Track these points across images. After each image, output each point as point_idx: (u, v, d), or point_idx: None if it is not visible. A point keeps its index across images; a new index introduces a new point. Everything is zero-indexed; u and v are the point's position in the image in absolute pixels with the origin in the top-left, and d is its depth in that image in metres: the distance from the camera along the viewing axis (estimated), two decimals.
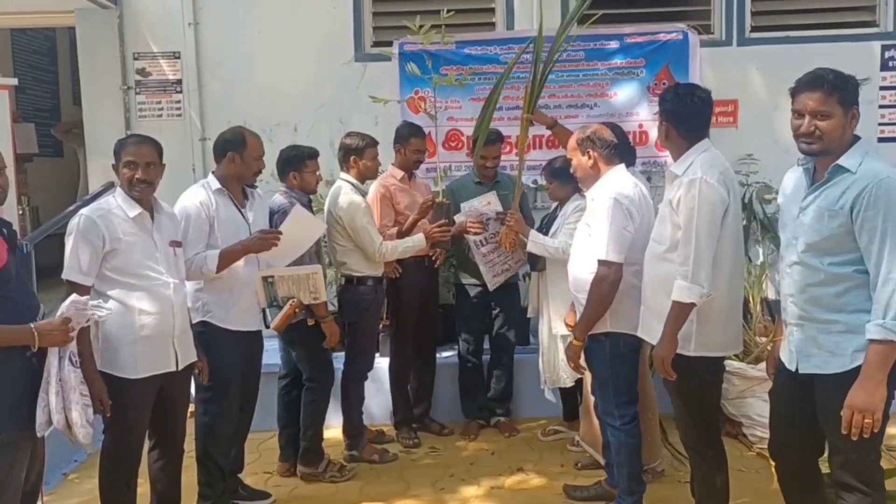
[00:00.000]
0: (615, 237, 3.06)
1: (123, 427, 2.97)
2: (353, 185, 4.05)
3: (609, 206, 3.08)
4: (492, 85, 5.04)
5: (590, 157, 3.25)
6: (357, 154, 4.07)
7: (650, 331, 2.98)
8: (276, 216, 3.65)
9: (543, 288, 4.16)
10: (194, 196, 3.34)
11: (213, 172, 3.48)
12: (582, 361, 3.31)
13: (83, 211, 2.94)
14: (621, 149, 3.42)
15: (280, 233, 3.40)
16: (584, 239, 3.24)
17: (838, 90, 2.39)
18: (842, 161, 2.40)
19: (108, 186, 3.13)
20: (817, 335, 2.46)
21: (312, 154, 3.88)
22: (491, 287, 4.35)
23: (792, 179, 2.62)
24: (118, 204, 2.95)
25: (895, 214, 2.29)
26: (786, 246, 2.58)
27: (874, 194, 2.31)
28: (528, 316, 4.43)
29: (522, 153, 4.20)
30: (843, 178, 2.39)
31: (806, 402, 2.54)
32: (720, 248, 2.78)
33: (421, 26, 4.14)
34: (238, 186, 3.44)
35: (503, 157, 4.63)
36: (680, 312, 2.78)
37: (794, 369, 2.55)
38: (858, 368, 2.35)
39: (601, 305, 3.11)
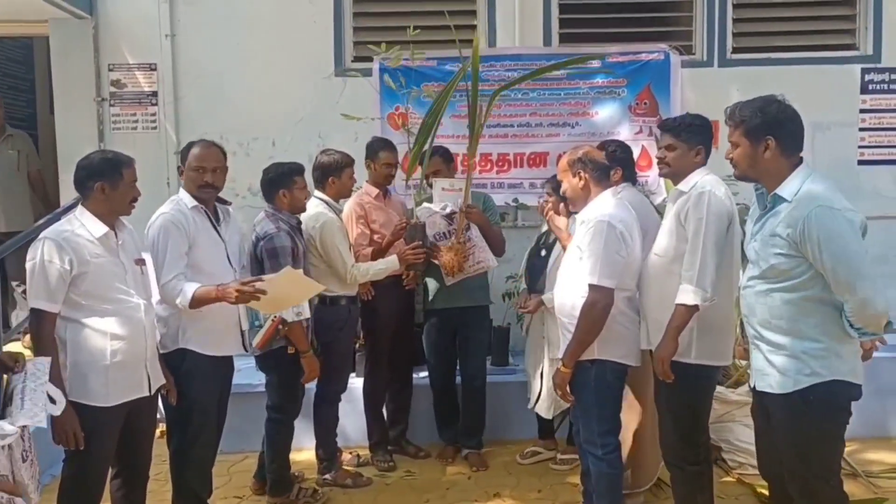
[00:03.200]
0: (608, 261, 2.99)
1: (90, 457, 2.80)
2: (327, 203, 3.97)
3: (602, 230, 3.00)
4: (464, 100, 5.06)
5: (581, 179, 3.18)
6: (335, 174, 3.98)
7: (653, 344, 3.03)
8: (262, 243, 3.51)
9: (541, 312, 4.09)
10: (171, 214, 3.15)
11: (184, 188, 3.30)
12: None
13: (46, 234, 2.79)
14: (627, 167, 3.47)
15: (263, 291, 3.01)
16: (575, 262, 3.14)
17: (743, 123, 2.54)
18: (779, 190, 2.50)
19: (77, 202, 3.00)
20: (768, 355, 2.56)
21: (299, 169, 3.71)
22: (447, 283, 4.13)
23: (755, 203, 2.70)
24: (82, 224, 2.82)
25: (829, 241, 2.37)
26: (747, 267, 2.68)
27: (806, 228, 2.39)
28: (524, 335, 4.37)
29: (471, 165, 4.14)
30: (782, 207, 2.49)
31: (770, 420, 2.64)
32: (721, 260, 2.88)
33: (389, 46, 4.14)
34: (212, 203, 3.32)
35: (484, 176, 4.60)
36: (683, 315, 2.86)
37: (753, 387, 2.67)
38: (801, 391, 2.46)
39: (591, 332, 3.02)
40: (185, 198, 3.23)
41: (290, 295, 3.27)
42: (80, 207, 2.89)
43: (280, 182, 3.64)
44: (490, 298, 4.43)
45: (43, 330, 2.73)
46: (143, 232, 3.16)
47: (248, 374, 4.31)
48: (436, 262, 4.10)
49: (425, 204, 4.16)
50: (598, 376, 3.10)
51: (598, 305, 2.99)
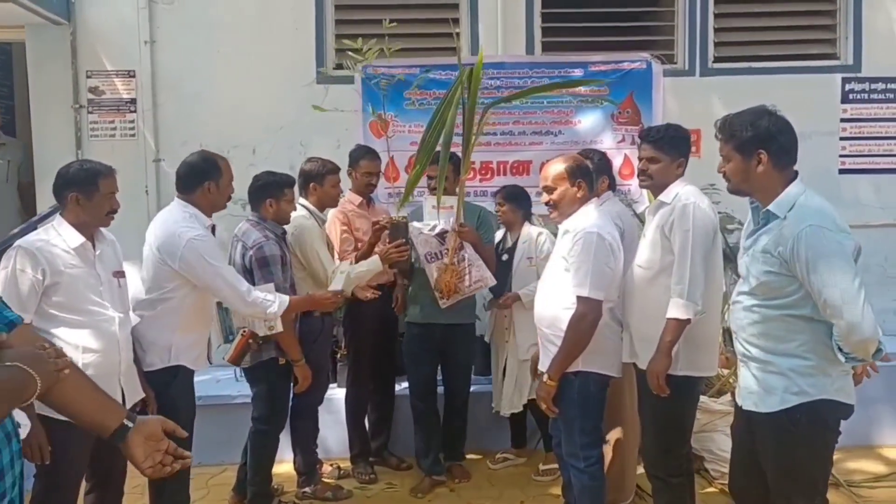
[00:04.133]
0: (598, 273, 2.96)
1: (60, 472, 2.73)
2: (310, 211, 3.93)
3: (593, 242, 2.97)
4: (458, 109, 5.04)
5: (579, 188, 3.11)
6: (317, 180, 3.96)
7: (637, 356, 3.04)
8: (252, 251, 3.47)
9: (504, 315, 4.13)
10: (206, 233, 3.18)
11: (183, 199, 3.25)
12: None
13: (20, 243, 2.74)
14: (610, 175, 3.45)
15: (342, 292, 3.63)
16: (559, 273, 3.10)
17: (734, 137, 2.47)
18: (772, 206, 2.44)
19: (55, 210, 2.94)
20: (755, 373, 2.50)
21: (290, 182, 3.71)
22: (441, 305, 3.94)
23: (750, 217, 2.63)
24: (58, 233, 2.78)
25: (817, 262, 2.29)
26: (738, 282, 2.64)
27: (796, 246, 2.32)
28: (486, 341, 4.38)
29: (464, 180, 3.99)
30: (774, 223, 2.42)
31: (754, 438, 2.59)
32: (708, 272, 2.89)
33: (369, 51, 4.12)
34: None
35: (468, 184, 4.55)
36: (676, 329, 2.87)
37: (739, 404, 2.62)
38: (787, 410, 2.40)
39: (580, 344, 2.99)
40: (197, 213, 3.23)
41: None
42: (58, 217, 2.85)
43: (270, 191, 3.61)
44: (475, 315, 4.31)
45: None
46: (127, 242, 3.13)
47: (227, 386, 4.26)
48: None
49: (414, 223, 3.98)
50: (582, 388, 3.07)
51: (588, 318, 2.96)
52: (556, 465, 4.07)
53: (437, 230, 3.91)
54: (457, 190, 3.93)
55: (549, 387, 3.05)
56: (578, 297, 2.97)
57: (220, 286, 3.12)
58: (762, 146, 2.42)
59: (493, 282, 3.95)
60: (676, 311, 2.84)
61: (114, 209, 2.90)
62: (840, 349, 2.34)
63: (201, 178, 3.20)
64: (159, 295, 3.11)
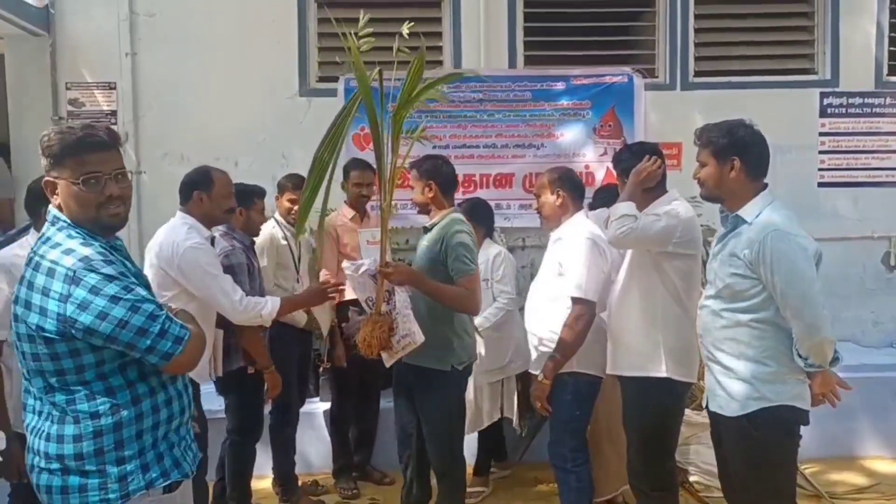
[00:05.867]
0: (593, 276, 3.11)
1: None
2: (277, 222, 3.98)
3: (587, 246, 3.13)
4: (439, 122, 5.05)
5: (559, 197, 3.29)
6: (280, 193, 4.08)
7: (618, 365, 3.10)
8: (220, 260, 3.42)
9: None
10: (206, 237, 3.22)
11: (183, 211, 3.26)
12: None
13: None
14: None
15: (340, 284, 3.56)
16: (552, 279, 3.24)
17: (711, 143, 2.61)
18: (740, 212, 2.57)
19: (28, 226, 2.91)
20: (719, 377, 2.62)
21: (261, 192, 3.77)
22: (387, 363, 3.19)
23: (720, 226, 2.77)
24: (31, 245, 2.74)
25: (781, 264, 2.43)
26: (706, 287, 2.75)
27: (761, 249, 2.45)
28: None
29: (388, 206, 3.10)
30: (742, 228, 2.56)
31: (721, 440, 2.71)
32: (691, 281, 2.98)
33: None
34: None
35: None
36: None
37: (706, 406, 2.73)
38: (748, 415, 2.51)
39: (576, 344, 3.11)
40: (196, 225, 3.24)
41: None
42: (31, 231, 2.81)
43: (239, 200, 3.58)
44: (453, 358, 3.20)
45: None
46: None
47: (208, 400, 4.20)
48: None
49: (345, 263, 3.32)
50: (576, 389, 3.19)
51: (584, 318, 3.10)
52: (481, 488, 4.17)
53: (366, 270, 3.15)
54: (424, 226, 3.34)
55: (543, 386, 3.16)
56: (574, 299, 3.10)
57: (215, 295, 3.10)
58: (737, 153, 2.57)
59: (421, 339, 3.04)
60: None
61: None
62: (799, 355, 2.47)
63: (191, 189, 3.22)
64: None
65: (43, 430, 1.88)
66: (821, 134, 5.39)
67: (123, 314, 1.79)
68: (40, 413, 1.89)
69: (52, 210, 1.91)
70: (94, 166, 1.86)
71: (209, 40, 5.18)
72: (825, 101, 5.38)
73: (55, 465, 1.86)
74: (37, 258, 1.86)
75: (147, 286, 2.01)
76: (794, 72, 5.43)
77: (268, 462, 4.03)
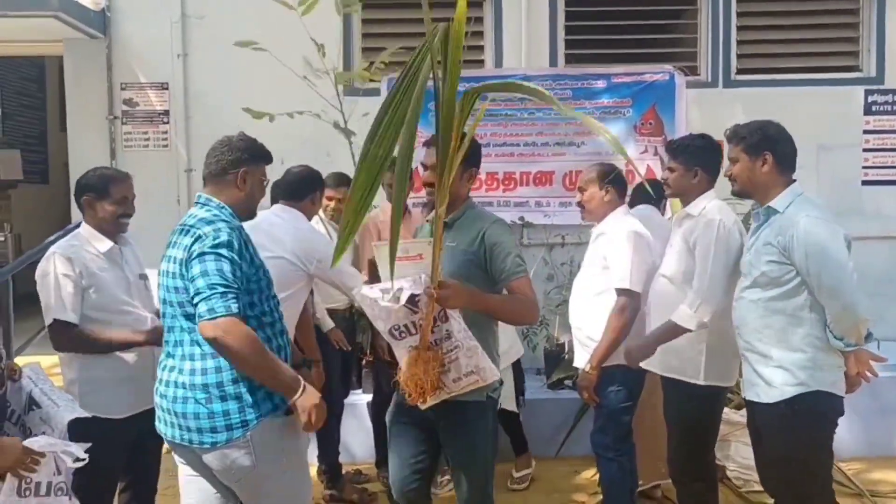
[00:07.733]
0: (638, 268, 3.15)
1: (99, 469, 2.70)
2: (321, 219, 4.09)
3: (632, 239, 3.18)
4: (481, 121, 5.11)
5: (607, 193, 3.34)
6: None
7: (657, 361, 3.10)
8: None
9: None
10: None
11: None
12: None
13: (53, 249, 2.85)
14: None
15: None
16: (596, 275, 3.28)
17: (744, 140, 2.71)
18: (772, 203, 2.67)
19: (77, 225, 3.05)
20: (756, 366, 2.68)
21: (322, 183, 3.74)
22: (424, 406, 2.50)
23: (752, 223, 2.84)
24: (87, 240, 2.89)
25: (815, 248, 2.50)
26: (740, 280, 2.79)
27: (795, 235, 2.53)
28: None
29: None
30: (775, 218, 2.64)
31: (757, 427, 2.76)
32: (730, 286, 2.90)
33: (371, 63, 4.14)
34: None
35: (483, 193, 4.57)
36: (672, 332, 2.96)
37: (744, 396, 2.76)
38: (786, 401, 2.57)
39: (621, 334, 3.15)
40: None
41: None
42: (83, 224, 2.96)
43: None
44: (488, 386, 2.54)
45: (72, 340, 2.79)
46: (159, 250, 3.19)
47: None
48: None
49: (364, 289, 2.52)
50: (623, 381, 3.23)
51: (629, 309, 3.14)
52: (529, 471, 4.20)
53: (402, 296, 2.36)
54: (426, 221, 2.84)
55: (590, 376, 3.21)
56: (620, 290, 3.14)
57: (344, 280, 3.34)
58: (768, 148, 2.67)
59: (495, 376, 2.52)
60: (680, 318, 2.92)
61: (127, 213, 2.96)
62: (834, 336, 2.53)
63: (311, 188, 3.51)
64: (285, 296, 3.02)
65: (183, 369, 2.33)
66: (865, 132, 5.34)
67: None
68: (182, 356, 2.35)
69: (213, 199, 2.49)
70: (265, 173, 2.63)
71: (256, 41, 5.31)
72: (870, 99, 5.34)
73: (201, 395, 2.29)
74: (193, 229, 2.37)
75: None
76: (838, 69, 5.40)
77: (313, 452, 4.14)
